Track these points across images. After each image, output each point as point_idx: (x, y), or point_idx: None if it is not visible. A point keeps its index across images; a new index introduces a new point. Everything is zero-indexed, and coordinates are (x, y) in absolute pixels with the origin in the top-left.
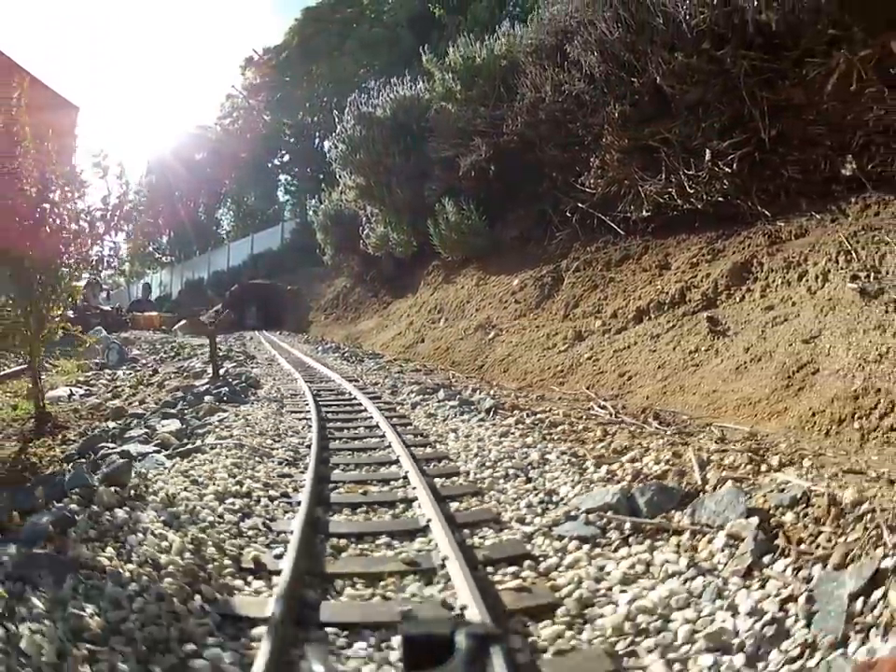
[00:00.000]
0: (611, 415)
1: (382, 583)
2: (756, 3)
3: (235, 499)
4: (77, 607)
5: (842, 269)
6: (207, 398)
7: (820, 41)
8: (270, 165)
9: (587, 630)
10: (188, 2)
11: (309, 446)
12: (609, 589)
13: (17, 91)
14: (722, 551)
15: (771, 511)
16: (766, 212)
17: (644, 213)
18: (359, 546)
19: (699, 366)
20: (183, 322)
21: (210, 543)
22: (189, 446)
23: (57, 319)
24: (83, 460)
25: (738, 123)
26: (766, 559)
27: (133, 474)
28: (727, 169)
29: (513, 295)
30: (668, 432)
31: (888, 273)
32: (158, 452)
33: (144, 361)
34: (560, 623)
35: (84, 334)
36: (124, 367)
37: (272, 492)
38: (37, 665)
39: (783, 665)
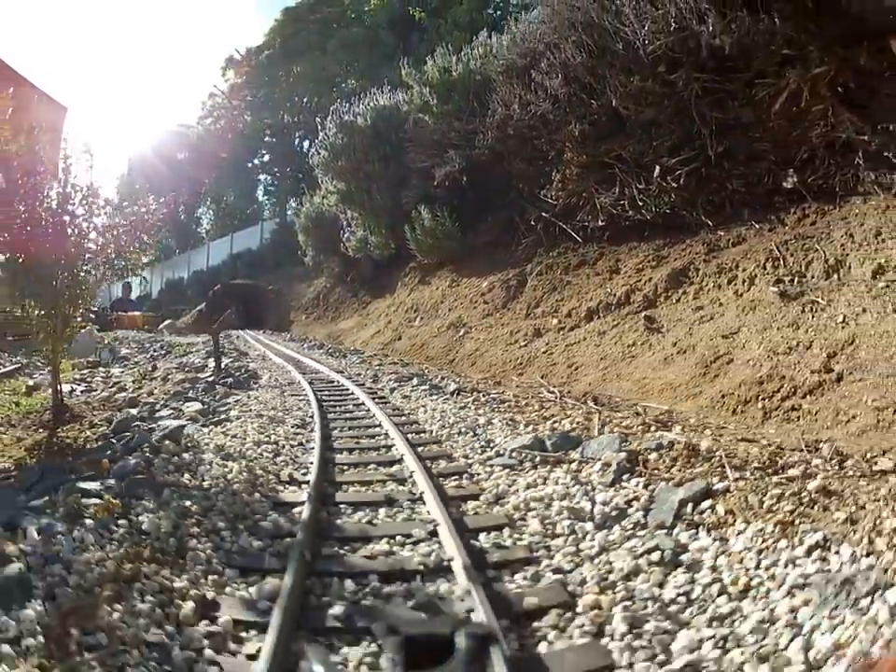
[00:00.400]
0: (557, 398)
1: (372, 485)
2: (711, 28)
3: (267, 445)
4: (179, 502)
5: (768, 274)
6: (218, 386)
7: (773, 62)
8: (250, 165)
9: (497, 507)
10: (172, 1)
11: (312, 416)
12: (516, 490)
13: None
14: (597, 472)
15: (640, 452)
16: (709, 222)
17: (599, 222)
18: (357, 469)
19: (634, 357)
20: (168, 321)
21: (258, 468)
22: (218, 419)
23: (79, 320)
24: (128, 433)
25: (688, 141)
26: (625, 477)
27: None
28: (674, 184)
29: (483, 296)
30: (599, 409)
31: (812, 278)
32: (192, 423)
33: (135, 359)
34: (480, 503)
35: None
36: (116, 365)
37: (291, 442)
38: (156, 535)
39: (619, 531)
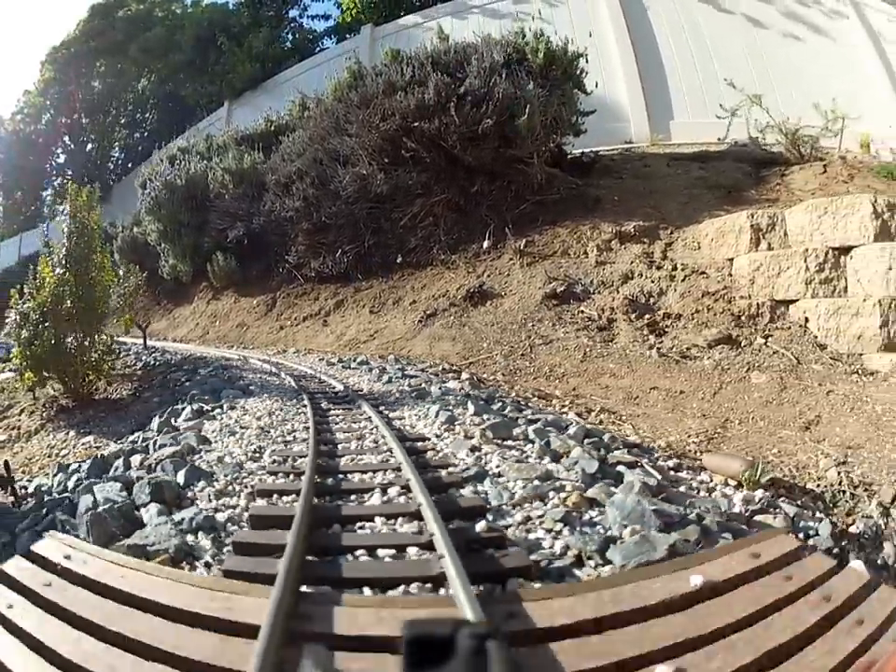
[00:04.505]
0: (285, 351)
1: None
2: (377, 181)
3: (225, 355)
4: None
5: (371, 303)
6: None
7: (408, 197)
8: (47, 167)
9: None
10: None
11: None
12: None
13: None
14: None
15: (310, 352)
16: (360, 276)
17: (313, 274)
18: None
19: (317, 337)
20: None
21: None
22: (195, 354)
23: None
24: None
25: (356, 237)
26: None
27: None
28: (345, 259)
29: (254, 308)
30: (301, 353)
31: (387, 305)
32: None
33: None
34: (263, 361)
35: None
36: None
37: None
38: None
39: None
